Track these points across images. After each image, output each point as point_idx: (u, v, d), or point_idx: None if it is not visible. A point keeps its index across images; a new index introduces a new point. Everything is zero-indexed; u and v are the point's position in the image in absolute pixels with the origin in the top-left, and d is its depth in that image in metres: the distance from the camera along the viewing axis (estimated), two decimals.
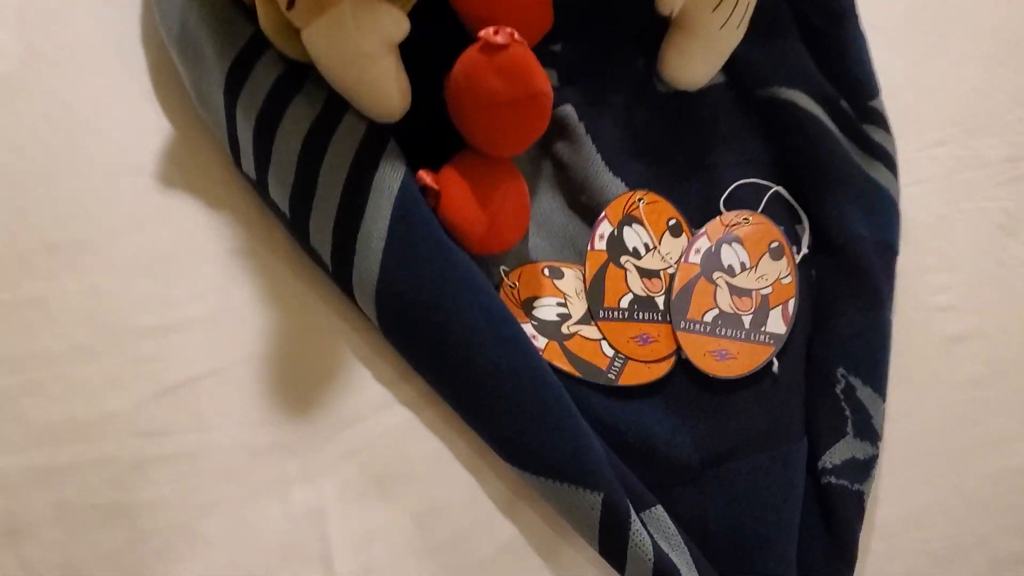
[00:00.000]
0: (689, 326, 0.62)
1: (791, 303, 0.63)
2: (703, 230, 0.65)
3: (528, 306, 0.63)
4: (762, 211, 0.67)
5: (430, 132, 0.61)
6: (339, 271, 0.59)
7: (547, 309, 0.63)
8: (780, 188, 0.67)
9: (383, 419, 0.58)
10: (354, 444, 0.58)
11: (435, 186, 0.61)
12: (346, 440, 0.57)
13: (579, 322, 0.63)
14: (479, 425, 0.57)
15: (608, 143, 0.67)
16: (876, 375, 0.62)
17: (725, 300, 0.63)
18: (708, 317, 0.62)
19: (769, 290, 0.63)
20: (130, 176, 0.62)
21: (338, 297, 0.60)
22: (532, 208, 0.67)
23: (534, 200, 0.68)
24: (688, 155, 0.69)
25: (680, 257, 0.65)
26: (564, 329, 0.63)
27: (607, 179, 0.67)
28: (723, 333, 0.62)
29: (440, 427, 0.59)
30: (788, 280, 0.64)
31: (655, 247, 0.65)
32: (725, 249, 0.65)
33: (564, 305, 0.64)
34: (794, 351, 0.63)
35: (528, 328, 0.62)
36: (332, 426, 0.57)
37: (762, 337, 0.62)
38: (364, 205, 0.58)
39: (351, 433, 0.58)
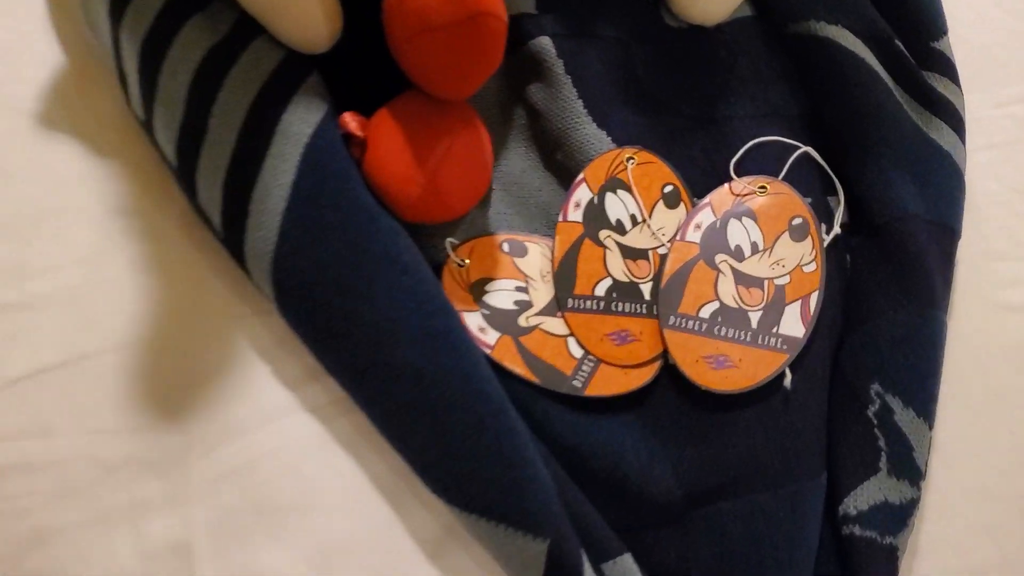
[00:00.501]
0: (680, 323, 0.49)
1: (814, 298, 0.49)
2: (706, 200, 0.52)
3: (479, 290, 0.51)
4: (784, 178, 0.53)
5: (371, 69, 0.49)
6: (230, 237, 0.47)
7: (502, 295, 0.51)
8: (809, 149, 0.54)
9: (280, 430, 0.47)
10: (237, 462, 0.46)
11: (360, 133, 0.48)
12: (227, 456, 0.46)
13: (542, 312, 0.50)
14: (398, 445, 0.46)
15: (593, 87, 0.54)
16: (922, 395, 0.49)
17: (729, 291, 0.49)
18: (705, 312, 0.49)
19: (786, 280, 0.50)
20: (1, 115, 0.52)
21: (240, 272, 0.49)
22: (497, 167, 0.55)
23: (500, 157, 0.56)
24: (695, 104, 0.56)
25: (675, 234, 0.51)
26: (522, 321, 0.50)
27: (589, 132, 0.54)
28: (723, 334, 0.48)
29: (356, 443, 0.48)
30: (812, 268, 0.50)
31: (644, 220, 0.51)
32: (733, 225, 0.51)
33: (524, 290, 0.51)
34: (815, 360, 0.50)
35: (475, 318, 0.50)
36: (210, 438, 0.46)
37: (773, 341, 0.48)
38: (264, 154, 0.46)
39: (235, 448, 0.47)
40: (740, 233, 0.51)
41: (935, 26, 0.60)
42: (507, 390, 0.48)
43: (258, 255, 0.46)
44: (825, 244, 0.52)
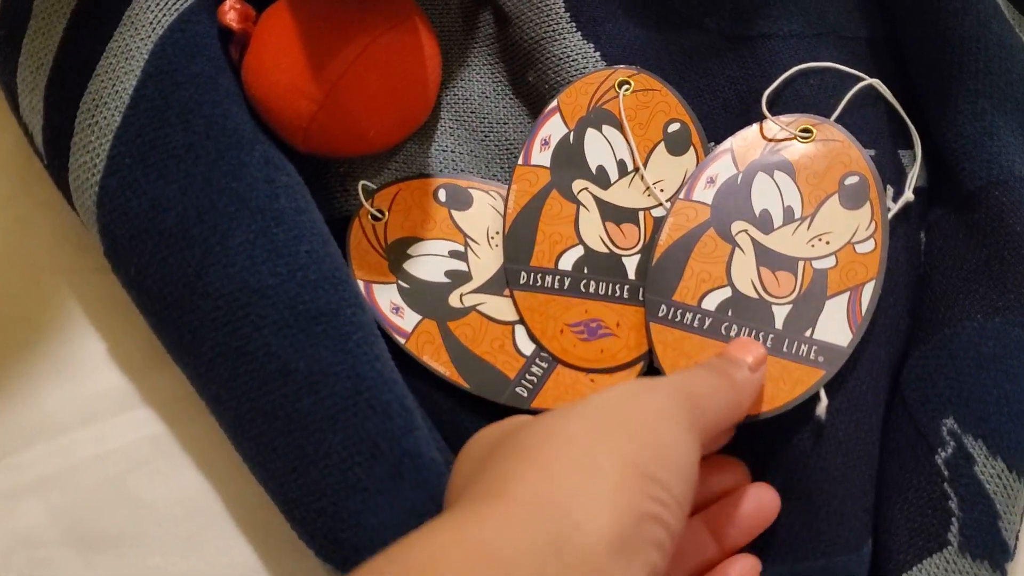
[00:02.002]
0: (673, 314, 0.35)
1: (868, 290, 0.35)
2: (726, 145, 0.38)
3: (398, 253, 0.38)
4: (838, 120, 0.39)
5: None
6: (53, 161, 0.36)
7: (430, 261, 0.38)
8: (875, 81, 0.38)
9: (107, 431, 0.37)
10: (45, 471, 0.36)
11: (239, 26, 0.35)
12: (31, 463, 0.36)
13: (482, 289, 0.38)
14: (255, 469, 0.34)
15: None
16: (1017, 437, 0.35)
17: (747, 273, 0.36)
18: (711, 302, 0.35)
19: (831, 262, 0.35)
20: None
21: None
22: (448, 89, 0.42)
23: (456, 76, 0.43)
24: (723, 15, 0.42)
25: (679, 190, 0.38)
26: (454, 299, 0.38)
27: (571, 45, 0.40)
28: (734, 334, 0.35)
29: (209, 455, 0.36)
30: (869, 247, 0.35)
31: (637, 169, 0.38)
32: (761, 182, 0.37)
33: (462, 256, 0.38)
34: (864, 381, 0.36)
35: (389, 292, 0.37)
36: (10, 436, 0.36)
37: (805, 349, 0.34)
38: (101, 49, 0.35)
39: (43, 452, 0.36)
40: (770, 193, 0.37)
41: None
42: (424, 397, 0.36)
43: (82, 188, 0.34)
44: (891, 215, 0.37)
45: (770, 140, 0.38)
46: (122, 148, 0.33)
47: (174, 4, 0.35)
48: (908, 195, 0.38)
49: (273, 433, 0.32)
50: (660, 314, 0.36)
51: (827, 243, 0.36)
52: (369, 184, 0.39)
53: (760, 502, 0.34)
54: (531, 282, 0.37)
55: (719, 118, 0.40)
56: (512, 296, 0.37)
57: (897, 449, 0.36)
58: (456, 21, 0.43)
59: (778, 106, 0.39)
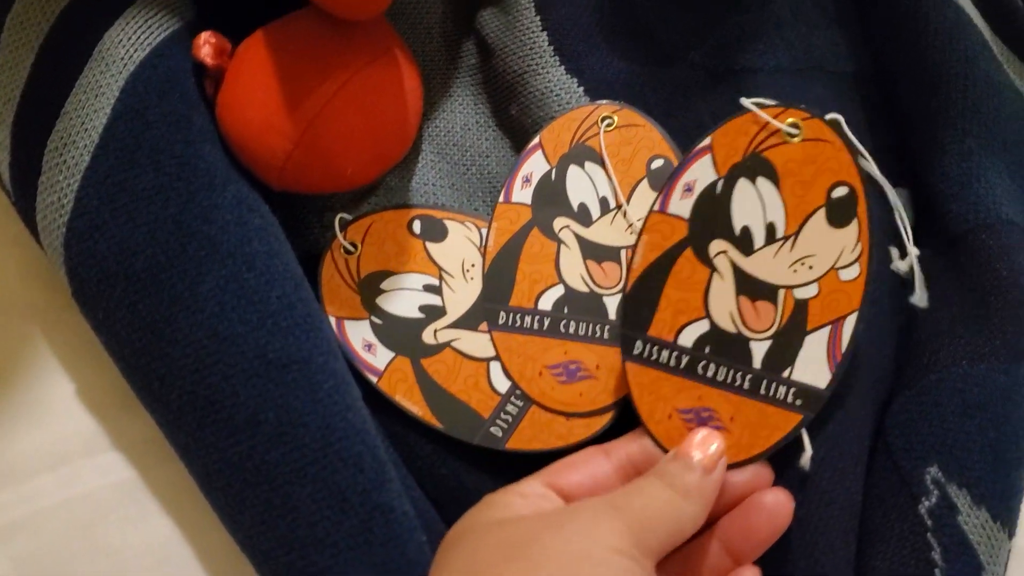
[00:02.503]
0: (649, 351, 0.34)
1: (850, 324, 0.32)
2: (706, 141, 0.35)
3: (371, 288, 0.37)
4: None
5: None
6: (21, 200, 0.35)
7: (404, 296, 0.37)
8: (838, 117, 0.34)
9: (77, 475, 0.35)
10: (10, 517, 0.34)
11: (214, 61, 0.34)
12: None
13: (457, 324, 0.37)
14: (225, 520, 0.33)
15: (565, 16, 0.40)
16: (1001, 487, 0.34)
17: (726, 304, 0.34)
18: (688, 337, 0.34)
19: (813, 290, 0.33)
20: None
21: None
22: (431, 121, 0.41)
23: (438, 107, 0.42)
24: (710, 50, 0.41)
25: (655, 201, 0.35)
26: (427, 336, 0.37)
27: (553, 79, 0.39)
28: (711, 375, 0.33)
29: (180, 501, 0.35)
30: (854, 273, 0.32)
31: (620, 206, 0.36)
32: (743, 189, 0.34)
33: (436, 290, 0.37)
34: (847, 428, 0.34)
35: (362, 329, 0.36)
36: None
37: (783, 391, 0.33)
38: (71, 85, 0.33)
39: (9, 497, 0.35)
40: (751, 204, 0.33)
41: None
42: (398, 439, 0.34)
43: (49, 228, 0.33)
44: (909, 255, 0.35)
45: (753, 139, 0.34)
46: (90, 189, 0.32)
47: (146, 39, 0.34)
48: (911, 259, 0.36)
49: (241, 484, 0.31)
50: (636, 351, 0.34)
51: (810, 268, 0.33)
52: (346, 216, 0.38)
53: (770, 513, 0.32)
54: (510, 322, 0.36)
55: None
56: (491, 336, 0.36)
57: (880, 496, 0.35)
58: (439, 51, 0.42)
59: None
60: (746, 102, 0.34)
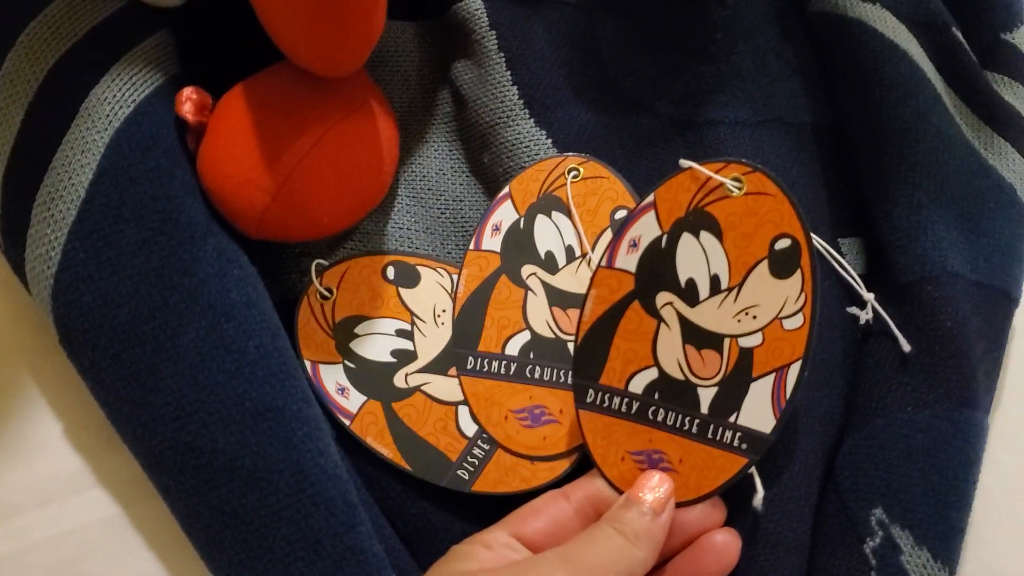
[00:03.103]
0: (601, 399, 0.36)
1: (794, 372, 0.33)
2: (650, 199, 0.36)
3: (345, 333, 0.38)
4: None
5: (250, 31, 0.36)
6: (10, 250, 0.36)
7: (377, 341, 0.39)
8: (766, 169, 0.34)
9: (63, 512, 0.36)
10: None
11: (195, 118, 0.35)
12: None
13: (427, 368, 0.38)
14: (205, 561, 0.34)
15: (535, 70, 0.42)
16: (941, 529, 0.35)
17: (673, 352, 0.35)
18: (638, 384, 0.35)
19: (758, 339, 0.34)
20: None
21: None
22: (407, 166, 0.43)
23: (414, 153, 0.43)
24: (673, 101, 0.43)
25: (602, 256, 0.36)
26: (399, 380, 0.38)
27: (522, 131, 0.41)
28: (660, 419, 0.35)
29: (164, 538, 0.36)
30: (797, 323, 0.33)
31: (584, 255, 0.38)
32: (686, 244, 0.35)
33: (408, 335, 0.38)
34: (796, 470, 0.36)
35: (335, 373, 0.38)
36: None
37: (729, 436, 0.34)
38: (58, 141, 0.35)
39: None
40: (695, 258, 0.35)
41: (1009, 12, 0.45)
42: (370, 479, 0.36)
43: (38, 279, 0.34)
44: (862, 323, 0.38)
45: (697, 193, 0.35)
46: (76, 243, 0.33)
47: (131, 96, 0.35)
48: (870, 306, 0.38)
49: (219, 527, 0.32)
50: (588, 400, 0.36)
51: (754, 317, 0.34)
52: (323, 262, 0.39)
53: (718, 553, 0.33)
54: (478, 367, 0.38)
55: None
56: (459, 381, 0.38)
57: (828, 535, 0.36)
58: (416, 98, 0.44)
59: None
60: (684, 163, 0.35)
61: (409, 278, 0.39)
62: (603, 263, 0.36)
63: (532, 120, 0.40)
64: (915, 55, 0.41)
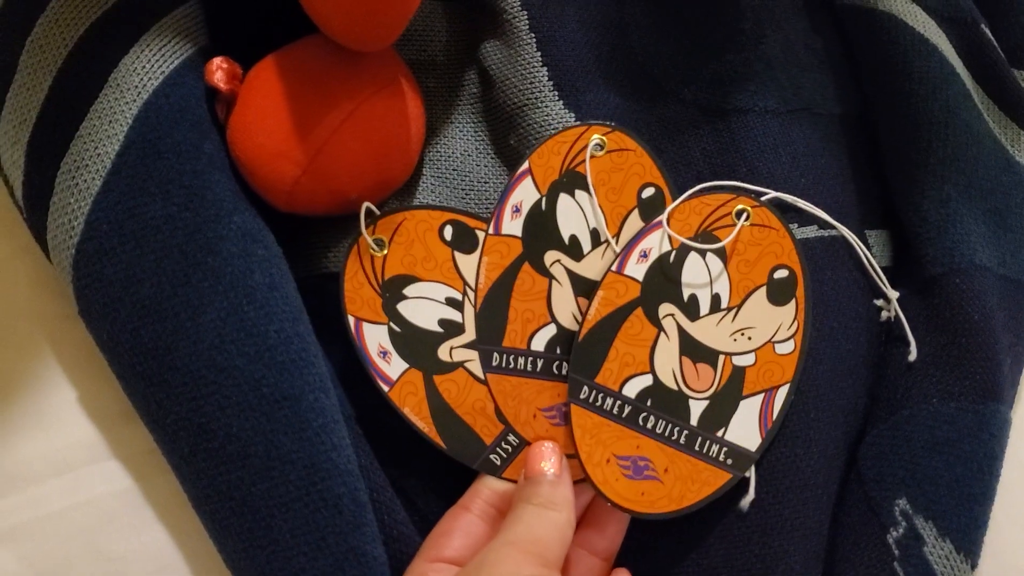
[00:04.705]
0: (594, 397, 0.35)
1: (782, 394, 0.35)
2: (663, 216, 0.37)
3: (395, 291, 0.37)
4: (804, 196, 0.39)
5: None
6: (32, 217, 0.36)
7: (426, 306, 0.37)
8: (782, 195, 0.38)
9: (79, 482, 0.36)
10: (13, 522, 0.35)
11: (227, 86, 0.35)
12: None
13: (472, 345, 0.37)
14: (214, 540, 0.34)
15: (565, 52, 0.41)
16: (965, 521, 0.36)
17: (670, 362, 0.36)
18: (632, 388, 0.35)
19: (751, 359, 0.35)
20: None
21: None
22: (432, 146, 0.42)
23: (440, 133, 0.43)
24: (702, 88, 0.43)
25: (612, 262, 0.36)
26: (443, 352, 0.37)
27: (552, 112, 0.40)
28: (650, 426, 0.35)
29: (178, 511, 0.36)
30: (788, 349, 0.36)
31: (611, 239, 0.37)
32: (693, 264, 0.36)
33: (459, 305, 0.37)
34: (815, 460, 0.36)
35: (379, 333, 0.36)
36: None
37: (716, 450, 0.35)
38: (85, 110, 0.34)
39: (13, 502, 0.35)
40: (700, 277, 0.36)
41: None
42: (399, 454, 0.36)
43: (59, 248, 0.34)
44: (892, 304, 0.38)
45: (706, 218, 0.37)
46: (100, 214, 0.33)
47: (160, 67, 0.35)
48: (894, 306, 0.38)
49: (226, 512, 0.32)
50: (582, 396, 0.35)
51: (749, 338, 0.36)
52: (372, 206, 0.37)
53: None
54: (504, 364, 0.37)
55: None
56: (485, 378, 0.37)
57: (851, 525, 0.36)
58: (442, 79, 0.43)
59: (749, 183, 0.39)
60: (714, 195, 0.37)
61: (467, 242, 0.38)
62: (613, 268, 0.37)
63: (561, 102, 0.40)
64: (944, 50, 0.42)
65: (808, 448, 0.36)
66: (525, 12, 0.41)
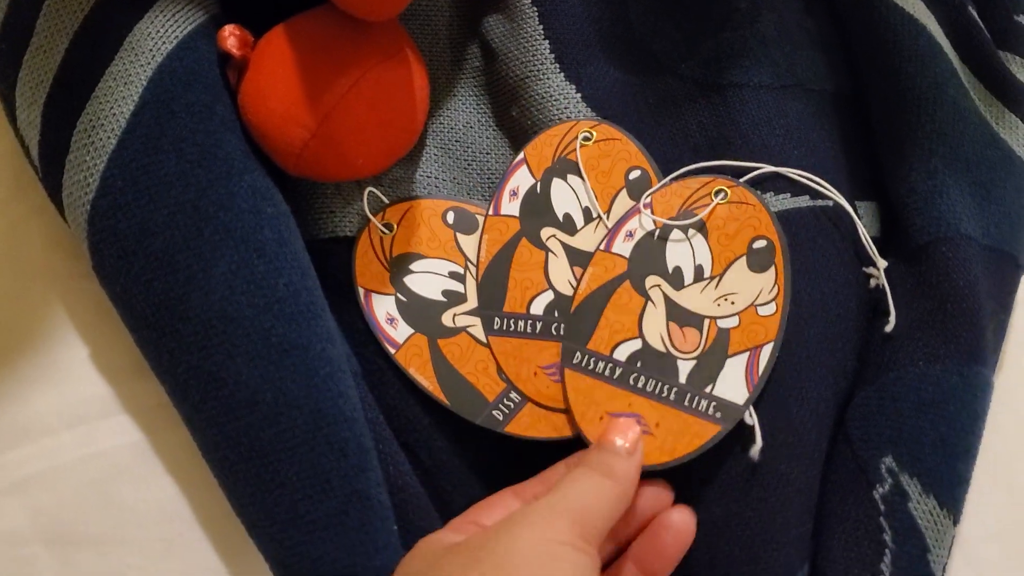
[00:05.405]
0: (587, 362, 0.37)
1: (766, 352, 0.36)
2: (646, 199, 0.39)
3: (401, 268, 0.39)
4: (798, 165, 0.40)
5: None
6: (48, 176, 0.37)
7: (430, 279, 0.39)
8: (783, 170, 0.40)
9: (91, 435, 0.37)
10: (27, 472, 0.36)
11: (239, 52, 0.36)
12: (15, 464, 0.36)
13: (474, 312, 0.39)
14: (223, 487, 0.35)
15: (567, 26, 0.42)
16: (948, 478, 0.37)
17: (657, 328, 0.37)
18: (622, 352, 0.37)
19: (735, 321, 0.37)
20: None
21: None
22: (435, 118, 0.43)
23: (443, 105, 0.44)
24: (699, 64, 0.44)
25: (601, 241, 0.39)
26: (446, 318, 0.39)
27: (553, 85, 0.41)
28: (640, 385, 0.36)
29: (187, 464, 0.37)
30: (770, 311, 0.37)
31: (602, 215, 0.39)
32: (676, 240, 0.38)
33: (460, 278, 0.39)
34: (806, 417, 0.37)
35: (387, 303, 0.39)
36: None
37: (704, 404, 0.36)
38: (101, 72, 0.35)
39: (27, 453, 0.37)
40: (683, 251, 0.38)
41: None
42: (397, 410, 0.37)
43: (74, 205, 0.35)
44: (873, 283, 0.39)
45: (687, 199, 0.39)
46: (115, 171, 0.34)
47: (173, 32, 0.36)
48: (881, 277, 0.39)
49: (236, 458, 0.33)
50: (575, 361, 0.37)
51: (732, 303, 0.37)
52: (376, 191, 0.39)
53: (676, 531, 0.35)
54: (505, 327, 0.38)
55: (689, 162, 0.40)
56: (488, 341, 0.38)
57: (839, 482, 0.37)
58: (444, 52, 0.45)
59: (744, 155, 0.41)
60: (695, 178, 0.39)
61: (468, 224, 0.40)
62: (601, 247, 0.38)
63: (563, 75, 0.41)
64: (933, 30, 0.43)
65: (801, 407, 0.37)
66: None
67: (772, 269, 0.37)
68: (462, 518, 0.34)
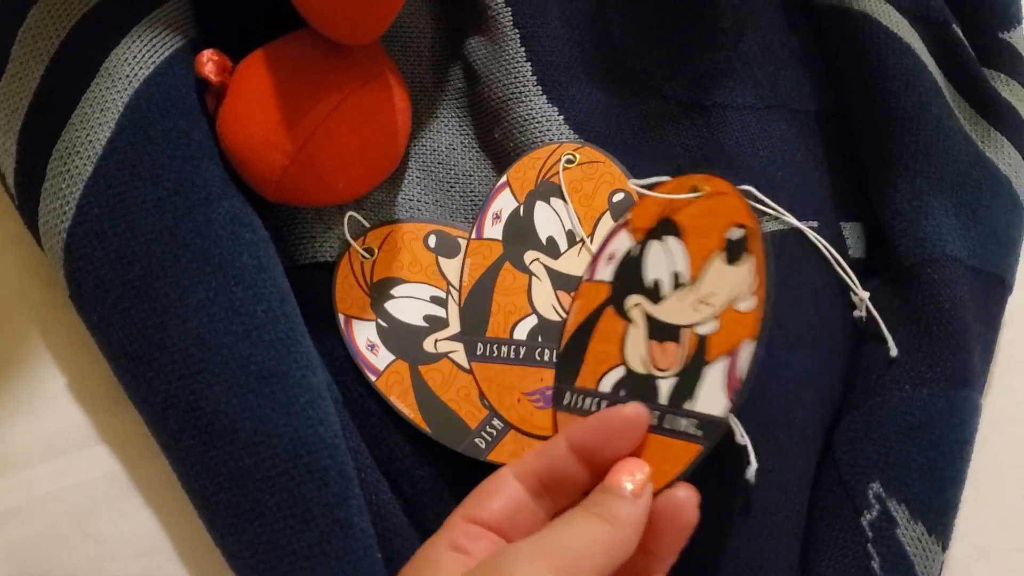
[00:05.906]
0: (575, 401, 0.36)
1: (745, 352, 0.32)
2: (626, 218, 0.38)
3: (381, 292, 0.39)
4: (786, 188, 0.40)
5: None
6: (24, 204, 0.36)
7: (411, 304, 0.39)
8: (752, 190, 0.37)
9: (68, 467, 0.36)
10: (2, 505, 0.35)
11: (217, 78, 0.35)
12: None
13: (456, 337, 0.39)
14: (202, 517, 0.34)
15: (548, 48, 0.42)
16: (937, 504, 0.36)
17: (638, 350, 0.35)
18: (607, 383, 0.36)
19: (713, 326, 0.34)
20: None
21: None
22: (418, 140, 0.43)
23: (425, 127, 0.44)
24: (682, 84, 0.43)
25: (584, 272, 0.38)
26: (428, 344, 0.38)
27: (535, 107, 0.41)
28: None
29: (167, 495, 0.36)
30: (750, 304, 0.33)
31: (585, 238, 0.38)
32: (653, 252, 0.36)
33: (442, 303, 0.39)
34: (795, 443, 0.37)
35: (367, 330, 0.38)
36: None
37: (684, 423, 0.33)
38: (77, 98, 0.35)
39: (1, 486, 0.36)
40: (660, 261, 0.36)
41: (1007, 12, 0.46)
42: (378, 439, 0.37)
43: (51, 233, 0.34)
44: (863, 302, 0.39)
45: (663, 207, 0.37)
46: (91, 198, 0.33)
47: (151, 57, 0.35)
48: (866, 304, 0.39)
49: (215, 488, 0.32)
50: (565, 402, 0.36)
51: (710, 305, 0.34)
52: (357, 216, 0.39)
53: (682, 507, 0.32)
54: (487, 353, 0.38)
55: None
56: (470, 367, 0.38)
57: (826, 508, 0.37)
58: (427, 73, 0.44)
59: (728, 176, 0.39)
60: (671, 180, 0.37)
61: (450, 249, 0.40)
62: (585, 278, 0.38)
63: (545, 97, 0.41)
64: (917, 48, 0.43)
65: (788, 432, 0.36)
66: (509, 8, 0.41)
67: (751, 259, 0.33)
68: (460, 513, 0.32)
